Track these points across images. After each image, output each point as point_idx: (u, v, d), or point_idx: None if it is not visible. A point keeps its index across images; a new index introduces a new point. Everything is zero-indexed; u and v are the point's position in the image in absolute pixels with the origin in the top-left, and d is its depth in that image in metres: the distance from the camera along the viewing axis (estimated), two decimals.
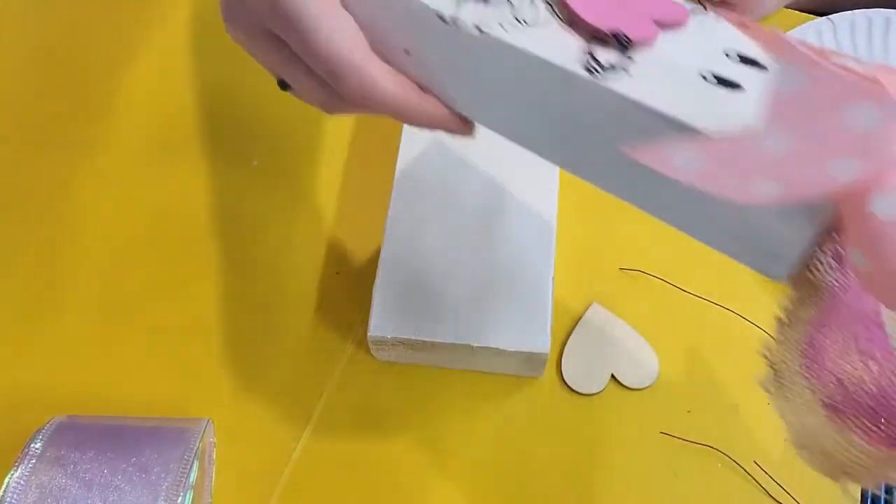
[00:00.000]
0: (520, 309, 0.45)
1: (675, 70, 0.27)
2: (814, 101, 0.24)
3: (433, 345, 0.44)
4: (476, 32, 0.29)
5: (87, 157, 0.56)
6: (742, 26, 0.28)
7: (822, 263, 0.27)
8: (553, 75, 0.29)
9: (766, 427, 0.46)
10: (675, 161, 0.26)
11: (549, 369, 0.47)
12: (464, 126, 0.35)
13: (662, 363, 0.47)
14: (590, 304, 0.49)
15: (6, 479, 0.37)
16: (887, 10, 0.57)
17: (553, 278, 0.46)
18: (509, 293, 0.45)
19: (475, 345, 0.44)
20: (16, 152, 0.57)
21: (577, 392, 0.47)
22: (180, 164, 0.55)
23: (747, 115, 0.25)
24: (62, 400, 0.47)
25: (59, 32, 0.62)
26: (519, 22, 0.29)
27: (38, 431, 0.40)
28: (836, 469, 0.31)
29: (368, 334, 0.44)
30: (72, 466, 0.38)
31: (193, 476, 0.40)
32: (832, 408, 0.29)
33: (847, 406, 0.28)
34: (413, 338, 0.44)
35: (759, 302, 0.49)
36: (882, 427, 0.27)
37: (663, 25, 0.29)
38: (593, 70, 0.28)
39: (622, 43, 0.28)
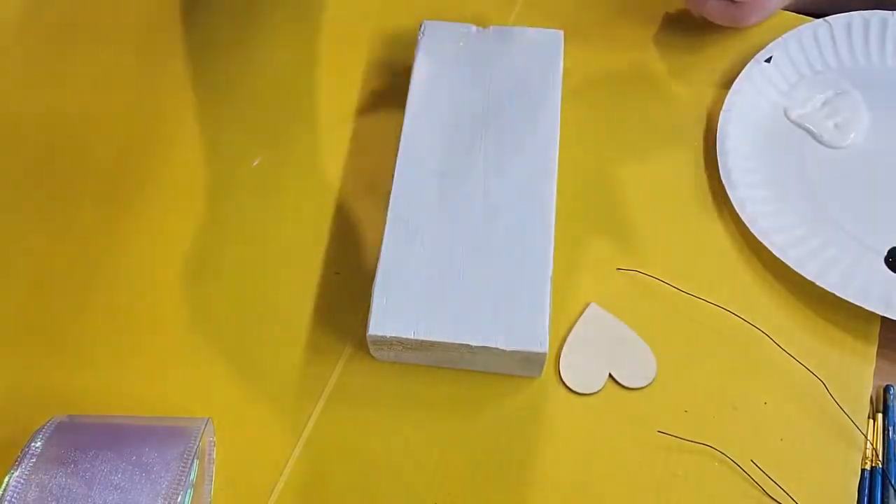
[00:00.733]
0: (518, 309, 0.45)
1: None
2: None
3: (432, 345, 0.45)
4: None
5: (86, 157, 0.56)
6: None
7: None
8: None
9: (763, 426, 0.46)
10: None
11: (548, 369, 0.48)
12: None
13: (660, 363, 0.48)
14: (588, 305, 0.50)
15: (6, 479, 0.38)
16: (884, 12, 0.58)
17: (551, 278, 0.46)
18: (508, 293, 0.45)
19: (474, 345, 0.44)
20: (16, 152, 0.57)
21: (575, 392, 0.47)
22: (179, 163, 0.56)
23: None
24: (62, 400, 0.47)
25: (56, 31, 0.62)
26: None
27: (39, 431, 0.40)
28: None
29: (368, 334, 0.45)
30: (72, 465, 0.38)
31: (193, 475, 0.40)
32: None
33: None
34: (412, 338, 0.44)
35: (756, 302, 0.50)
36: None
37: None
38: None
39: None
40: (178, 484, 0.38)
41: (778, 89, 0.57)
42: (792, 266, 0.49)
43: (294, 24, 0.62)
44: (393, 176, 0.50)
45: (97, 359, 0.49)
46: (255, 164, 0.56)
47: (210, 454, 0.45)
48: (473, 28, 0.56)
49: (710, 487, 0.44)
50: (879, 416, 0.46)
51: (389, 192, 0.49)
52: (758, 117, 0.56)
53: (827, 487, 0.44)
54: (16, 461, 0.38)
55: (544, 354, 0.44)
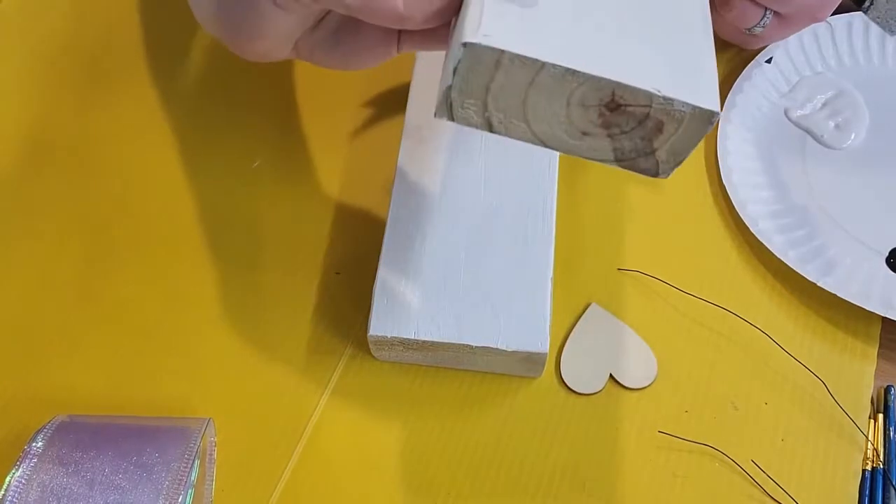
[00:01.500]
0: (519, 309, 0.45)
1: None
2: None
3: (433, 345, 0.45)
4: None
5: (85, 156, 0.56)
6: None
7: None
8: None
9: (764, 426, 0.46)
10: None
11: (548, 369, 0.48)
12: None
13: (661, 363, 0.48)
14: (588, 305, 0.50)
15: (7, 479, 0.38)
16: None
17: (552, 279, 0.46)
18: (508, 293, 0.46)
19: (475, 345, 0.44)
20: (14, 153, 0.57)
21: (575, 392, 0.47)
22: (179, 163, 0.56)
23: None
24: (63, 400, 0.47)
25: (63, 35, 0.62)
26: None
27: (40, 431, 0.40)
28: None
29: (368, 334, 0.45)
30: (73, 465, 0.38)
31: (194, 475, 0.40)
32: None
33: None
34: (413, 338, 0.44)
35: (757, 302, 0.50)
36: None
37: None
38: None
39: None
40: (178, 484, 0.38)
41: (778, 90, 0.57)
42: (793, 266, 0.49)
43: None
44: (393, 176, 0.50)
45: (98, 358, 0.49)
46: (255, 164, 0.56)
47: (211, 454, 0.45)
48: None
49: (711, 488, 0.44)
50: (880, 416, 0.46)
51: (390, 192, 0.49)
52: (758, 118, 0.56)
53: (828, 488, 0.44)
54: (17, 461, 0.38)
55: (545, 354, 0.44)
